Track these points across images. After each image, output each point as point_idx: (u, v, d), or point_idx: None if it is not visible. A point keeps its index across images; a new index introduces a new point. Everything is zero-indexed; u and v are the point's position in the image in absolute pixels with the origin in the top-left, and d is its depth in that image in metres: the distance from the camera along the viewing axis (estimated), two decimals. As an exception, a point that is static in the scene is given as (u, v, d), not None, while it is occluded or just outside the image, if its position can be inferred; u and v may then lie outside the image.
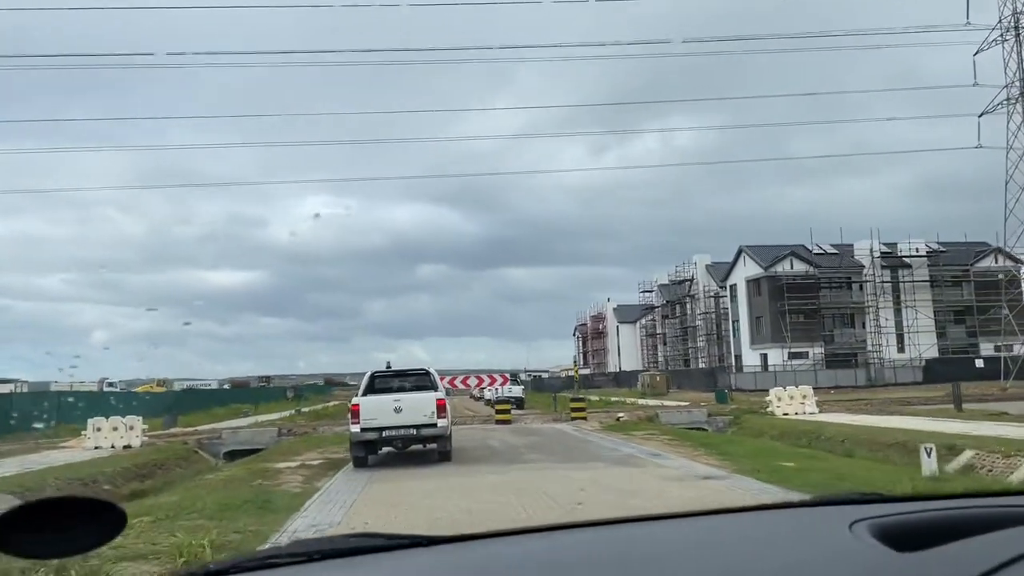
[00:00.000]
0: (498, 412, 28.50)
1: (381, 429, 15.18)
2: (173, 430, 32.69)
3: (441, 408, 15.48)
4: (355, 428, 15.29)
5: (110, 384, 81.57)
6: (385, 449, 16.38)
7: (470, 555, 1.56)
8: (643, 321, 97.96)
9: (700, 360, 77.00)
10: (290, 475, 14.81)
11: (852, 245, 64.26)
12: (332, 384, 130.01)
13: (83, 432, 25.95)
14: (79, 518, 1.33)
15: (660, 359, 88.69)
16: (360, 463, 15.53)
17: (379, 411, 15.31)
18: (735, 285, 68.64)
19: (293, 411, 50.42)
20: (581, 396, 31.07)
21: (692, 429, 26.56)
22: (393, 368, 17.66)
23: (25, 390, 58.11)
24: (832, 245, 65.35)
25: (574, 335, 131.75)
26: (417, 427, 15.24)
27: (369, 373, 17.17)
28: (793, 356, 61.17)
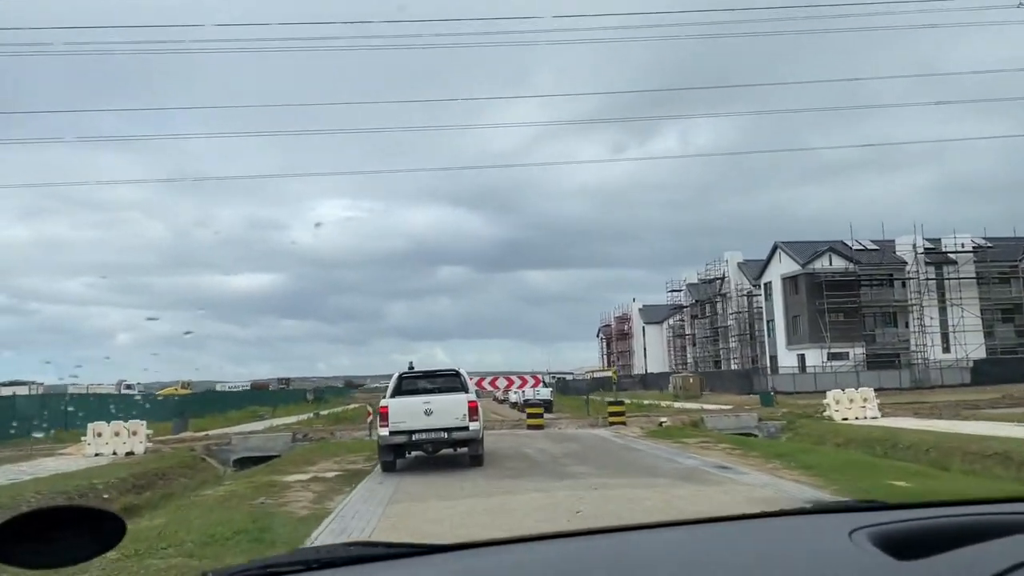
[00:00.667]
0: (529, 416, 26.30)
1: (411, 432, 14.54)
2: (183, 435, 30.79)
3: (473, 410, 14.76)
4: (383, 431, 14.63)
5: (128, 386, 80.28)
6: (413, 453, 15.60)
7: (471, 564, 1.57)
8: (670, 322, 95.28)
9: (732, 361, 74.28)
10: (299, 491, 12.70)
11: (894, 241, 61.39)
12: (352, 386, 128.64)
13: (83, 438, 24.05)
14: (77, 527, 1.30)
15: (689, 360, 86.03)
16: (388, 467, 14.93)
17: (409, 413, 14.59)
18: (770, 283, 65.90)
19: (312, 414, 48.54)
20: (620, 399, 28.78)
21: (742, 435, 24.26)
22: (420, 369, 16.79)
23: (40, 392, 56.72)
24: (872, 241, 62.53)
25: (597, 336, 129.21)
26: (448, 430, 14.56)
27: (397, 374, 16.18)
28: (833, 357, 58.37)
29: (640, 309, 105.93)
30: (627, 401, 45.23)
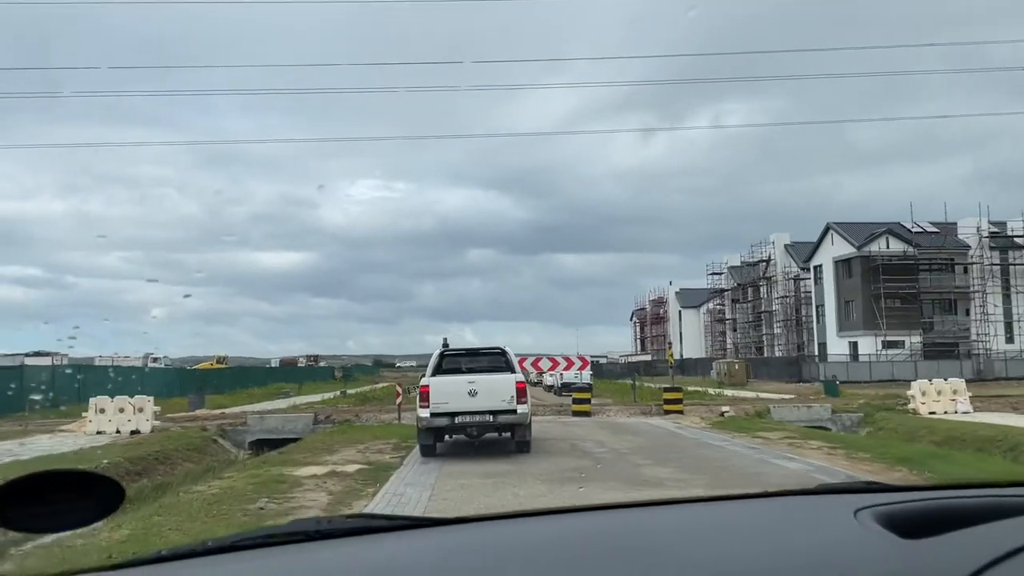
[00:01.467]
0: (575, 402, 23.65)
1: (454, 414, 13.53)
2: (198, 412, 28.65)
3: (521, 392, 13.69)
4: (424, 413, 13.56)
5: (155, 360, 78.91)
6: (454, 437, 14.64)
7: (471, 537, 1.56)
8: (709, 306, 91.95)
9: (777, 348, 70.96)
10: (311, 491, 10.23)
11: (956, 223, 57.61)
12: (382, 365, 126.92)
13: (84, 414, 21.91)
14: (76, 492, 1.29)
15: (729, 346, 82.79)
16: (428, 452, 13.98)
17: (452, 394, 13.59)
18: (820, 266, 62.39)
19: (338, 392, 46.37)
20: (678, 386, 26.04)
21: (815, 428, 21.52)
22: (460, 346, 15.55)
23: (65, 363, 55.24)
24: (932, 223, 58.75)
25: (631, 320, 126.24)
26: (494, 413, 13.57)
27: (438, 351, 14.94)
28: (888, 345, 55.00)
29: (677, 293, 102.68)
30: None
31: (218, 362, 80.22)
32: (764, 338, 74.46)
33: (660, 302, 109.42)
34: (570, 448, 14.85)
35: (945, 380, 24.14)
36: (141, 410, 21.50)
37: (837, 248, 59.29)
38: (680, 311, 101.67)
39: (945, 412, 22.64)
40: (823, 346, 61.64)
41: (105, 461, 15.15)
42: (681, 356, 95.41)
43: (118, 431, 21.12)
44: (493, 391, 13.59)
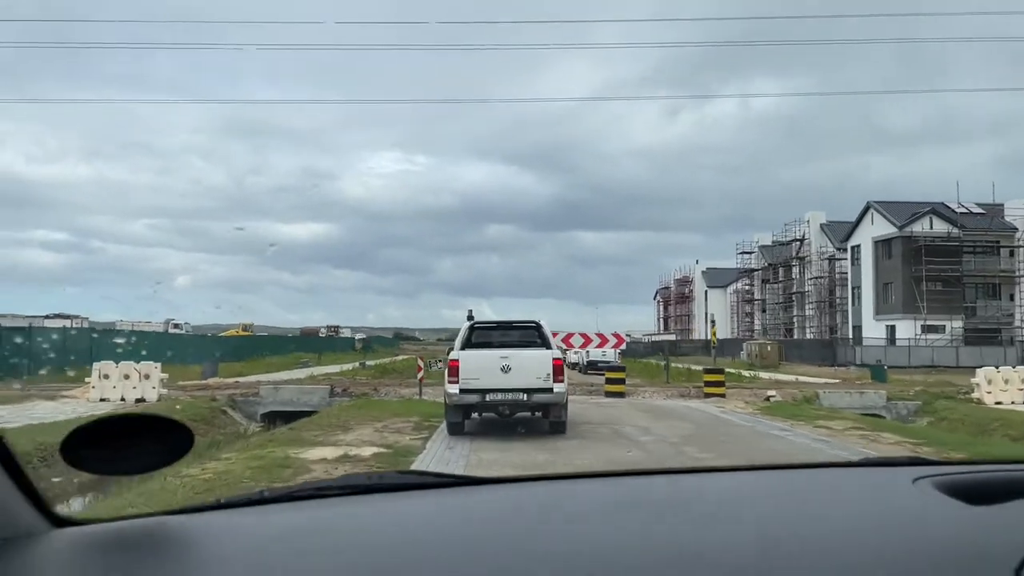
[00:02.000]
0: (609, 382, 22.06)
1: (484, 391, 12.59)
2: (211, 380, 27.38)
3: (558, 370, 12.72)
4: (452, 389, 12.66)
5: (176, 325, 78.23)
6: (484, 415, 13.59)
7: (520, 496, 1.58)
8: (737, 286, 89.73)
9: (808, 330, 68.86)
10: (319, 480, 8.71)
11: (1003, 205, 55.11)
12: (402, 338, 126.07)
13: (87, 380, 20.65)
14: (147, 436, 1.32)
15: (757, 327, 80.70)
16: (455, 430, 13.06)
17: (483, 369, 12.63)
18: (858, 246, 60.09)
19: (358, 364, 45.12)
20: (720, 367, 24.36)
21: (868, 416, 19.83)
22: (490, 319, 14.66)
23: (84, 327, 54.41)
24: (978, 204, 56.27)
25: (654, 299, 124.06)
26: (528, 391, 12.57)
27: (468, 323, 13.97)
28: (928, 329, 52.79)
29: (704, 272, 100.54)
30: (697, 368, 40.74)
31: (244, 330, 79.51)
32: (795, 320, 72.33)
33: (685, 281, 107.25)
34: (612, 434, 13.27)
35: (1013, 368, 22.29)
36: (147, 377, 20.20)
37: (877, 228, 56.97)
38: (706, 290, 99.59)
39: (1012, 402, 20.86)
40: (858, 329, 59.52)
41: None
42: (706, 336, 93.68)
43: (122, 398, 19.85)
44: (528, 368, 12.63)
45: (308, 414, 19.53)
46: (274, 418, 20.65)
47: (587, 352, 43.56)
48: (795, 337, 68.97)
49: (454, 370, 12.66)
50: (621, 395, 21.45)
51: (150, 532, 1.31)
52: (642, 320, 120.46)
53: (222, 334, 73.18)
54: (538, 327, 13.86)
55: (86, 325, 56.03)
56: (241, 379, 27.88)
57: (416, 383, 21.50)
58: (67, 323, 58.04)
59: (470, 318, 14.76)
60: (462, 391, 12.55)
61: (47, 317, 60.93)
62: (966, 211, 55.65)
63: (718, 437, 13.08)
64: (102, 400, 19.75)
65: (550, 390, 12.57)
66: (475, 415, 13.49)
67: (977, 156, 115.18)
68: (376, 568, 1.15)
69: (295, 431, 13.94)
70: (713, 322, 37.56)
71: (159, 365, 20.71)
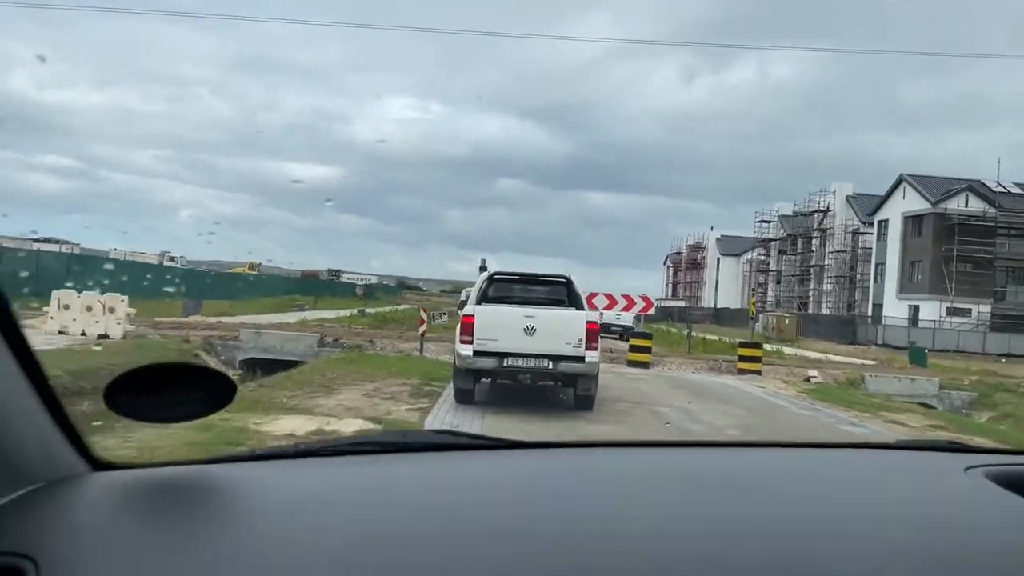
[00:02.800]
0: (633, 350, 19.70)
1: (503, 355, 10.53)
2: (191, 318, 25.10)
3: (592, 335, 10.70)
4: (465, 350, 10.60)
5: (171, 258, 75.84)
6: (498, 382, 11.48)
7: (556, 461, 1.57)
8: (751, 255, 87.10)
9: (825, 305, 66.40)
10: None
11: (1045, 186, 52.25)
12: (405, 287, 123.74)
13: (45, 309, 18.32)
14: (190, 385, 1.33)
15: (771, 299, 78.20)
16: (464, 398, 11.01)
17: (503, 329, 10.61)
18: (885, 221, 57.31)
19: (356, 311, 42.81)
20: (758, 342, 21.99)
21: (920, 404, 17.58)
22: (512, 271, 12.26)
23: (76, 252, 52.02)
24: (1017, 184, 53.36)
25: (664, 264, 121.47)
26: (555, 358, 10.50)
27: (486, 274, 12.13)
28: (953, 312, 50.35)
29: (718, 239, 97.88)
30: (714, 338, 38.42)
31: (250, 268, 77.28)
32: (811, 293, 69.85)
33: (698, 247, 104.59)
34: (650, 418, 10.93)
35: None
36: (112, 310, 17.86)
37: (908, 203, 54.15)
38: (719, 258, 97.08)
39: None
40: (878, 307, 57.06)
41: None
42: (715, 304, 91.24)
43: (83, 333, 17.54)
44: (556, 331, 10.62)
45: (292, 364, 17.31)
46: (254, 366, 18.41)
47: (600, 314, 41.40)
48: (810, 311, 66.52)
49: (468, 327, 10.55)
50: (646, 365, 19.12)
51: (190, 479, 1.32)
52: (648, 285, 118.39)
53: (230, 271, 70.87)
54: (568, 283, 11.68)
55: (78, 251, 53.71)
56: (225, 319, 25.59)
57: (417, 337, 19.15)
58: (57, 247, 55.65)
59: (484, 268, 12.69)
60: (476, 353, 10.48)
61: (36, 240, 58.55)
62: (1004, 191, 52.76)
63: (781, 429, 10.72)
64: (60, 333, 17.46)
65: (581, 359, 10.53)
66: (489, 381, 11.36)
67: (1014, 134, 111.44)
68: (413, 527, 1.14)
69: (266, 389, 11.63)
70: (753, 291, 35.16)
71: (125, 298, 18.35)
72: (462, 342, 10.55)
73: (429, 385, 12.51)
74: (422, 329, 18.77)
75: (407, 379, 13.08)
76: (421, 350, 18.28)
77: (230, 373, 18.24)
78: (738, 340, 38.18)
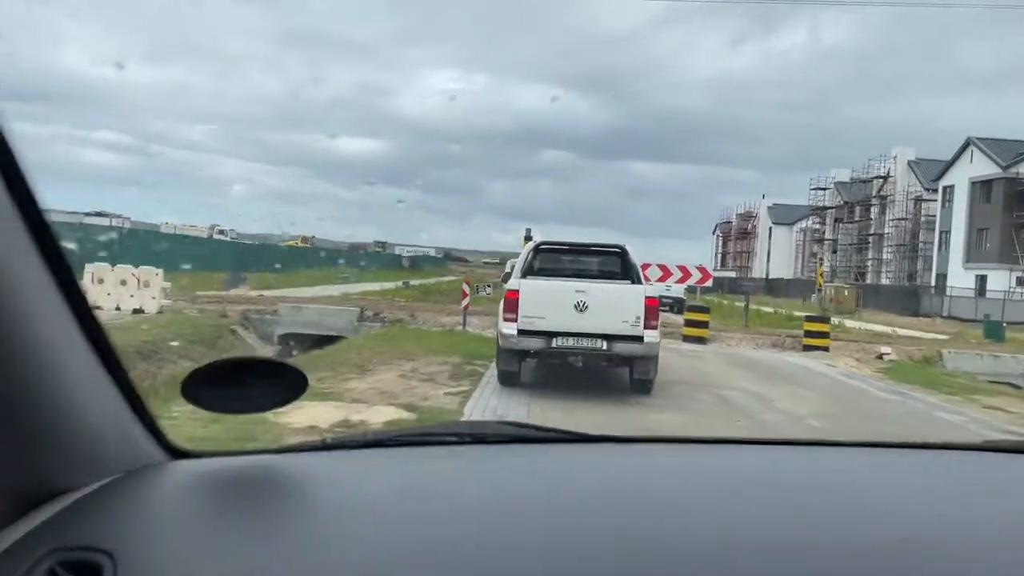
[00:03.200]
0: (689, 324, 18.53)
1: (551, 335, 9.52)
2: (233, 292, 24.60)
3: (651, 312, 9.63)
4: (509, 328, 9.54)
5: (220, 231, 76.35)
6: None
7: (626, 456, 1.55)
8: (805, 224, 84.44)
9: (884, 275, 63.92)
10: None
11: None
12: (451, 259, 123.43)
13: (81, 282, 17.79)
14: (264, 378, 1.34)
15: (826, 269, 75.67)
16: (508, 380, 10.01)
17: (551, 305, 9.58)
18: (951, 187, 54.58)
19: (401, 283, 42.17)
20: (826, 316, 20.62)
21: (1008, 384, 16.16)
22: (559, 241, 11.43)
23: (127, 227, 52.40)
24: (1096, 146, 50.21)
25: (713, 234, 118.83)
26: (610, 338, 9.48)
27: (532, 244, 11.17)
28: (1022, 282, 47.81)
29: (770, 208, 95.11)
30: (769, 310, 36.85)
31: (303, 242, 77.58)
32: (869, 263, 67.27)
33: (748, 216, 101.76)
34: (716, 405, 9.83)
35: None
36: (147, 285, 17.29)
37: (976, 167, 51.40)
38: (771, 227, 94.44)
39: None
40: (942, 277, 54.53)
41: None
42: (767, 275, 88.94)
43: (118, 308, 17.01)
44: (611, 307, 9.62)
45: (332, 340, 16.61)
46: (293, 340, 17.76)
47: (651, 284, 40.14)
48: (868, 282, 64.10)
49: (512, 304, 9.52)
50: (703, 341, 17.94)
51: (266, 469, 1.33)
52: (693, 255, 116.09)
53: (283, 243, 71.08)
54: (624, 253, 10.66)
55: (127, 225, 54.09)
56: (268, 292, 25.04)
57: (460, 310, 18.24)
58: (107, 222, 56.13)
59: (529, 238, 11.69)
60: (521, 332, 9.45)
61: (86, 215, 59.12)
62: (1082, 153, 49.71)
63: (869, 418, 9.54)
64: (94, 308, 16.95)
65: (639, 339, 9.50)
66: (533, 359, 10.37)
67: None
68: (486, 521, 1.13)
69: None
70: (820, 260, 33.44)
71: (160, 272, 17.75)
72: (505, 320, 9.54)
73: (471, 364, 11.60)
74: (465, 302, 17.85)
75: (448, 357, 12.18)
76: (464, 325, 17.37)
77: (268, 349, 17.67)
78: (795, 313, 36.67)
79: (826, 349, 17.59)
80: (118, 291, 17.21)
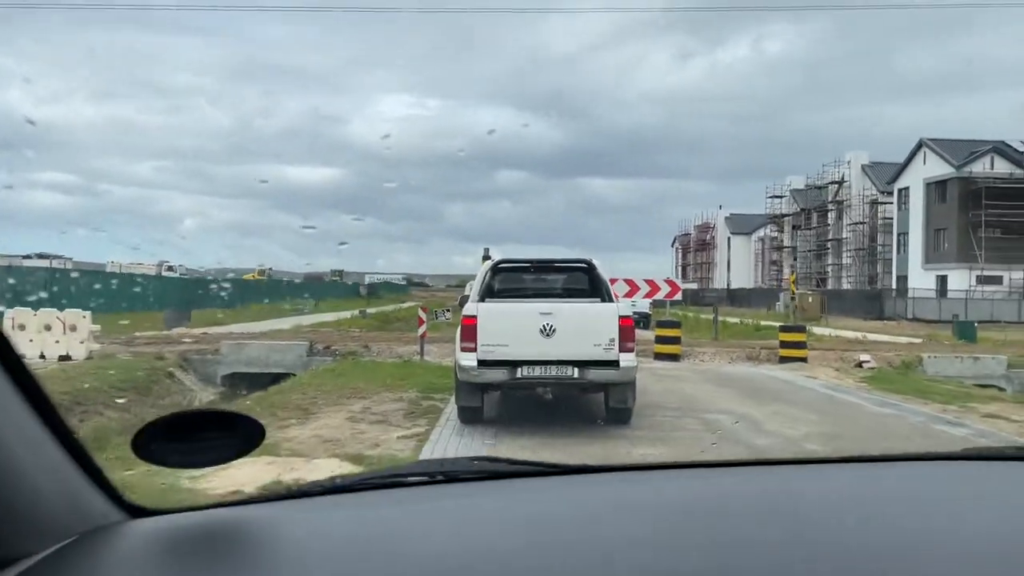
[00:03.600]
0: (660, 341, 17.59)
1: (515, 364, 8.37)
2: (175, 331, 23.12)
3: (627, 333, 8.54)
4: (467, 360, 8.41)
5: (169, 268, 74.02)
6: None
7: (598, 487, 1.49)
8: (762, 232, 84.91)
9: (845, 280, 64.13)
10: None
11: (1074, 144, 49.79)
12: (412, 284, 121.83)
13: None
14: (218, 430, 1.31)
15: (786, 276, 75.92)
16: (469, 417, 8.92)
17: (514, 330, 8.49)
18: (906, 189, 54.93)
19: (358, 312, 40.80)
20: (802, 325, 19.88)
21: (990, 387, 15.57)
22: (520, 258, 10.22)
23: (69, 267, 50.23)
24: (1044, 143, 50.91)
25: (672, 246, 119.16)
26: (582, 364, 8.37)
27: (489, 263, 9.98)
28: (984, 281, 48.05)
29: (727, 218, 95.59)
30: (735, 320, 36.25)
31: (259, 274, 75.67)
32: (829, 269, 67.56)
33: (706, 227, 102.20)
34: (701, 431, 8.83)
35: None
36: (73, 329, 15.86)
37: (930, 168, 51.78)
38: (729, 237, 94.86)
39: None
40: (903, 279, 54.73)
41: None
42: (727, 285, 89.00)
43: (42, 355, 15.53)
44: (581, 329, 8.54)
45: (279, 377, 15.34)
46: (238, 380, 16.45)
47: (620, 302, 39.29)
48: (828, 287, 64.24)
49: (469, 331, 8.43)
50: (676, 358, 17.03)
51: (228, 523, 1.29)
52: (652, 268, 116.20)
53: (240, 277, 69.09)
54: (591, 268, 9.66)
55: (69, 266, 51.89)
56: (214, 329, 23.59)
57: (417, 339, 17.10)
58: (47, 263, 53.82)
59: (487, 258, 10.80)
60: (481, 363, 8.36)
61: (24, 257, 56.73)
62: (1031, 151, 50.37)
63: (870, 437, 8.61)
64: (17, 357, 15.48)
65: (615, 364, 8.42)
66: (495, 392, 9.34)
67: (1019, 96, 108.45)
68: (462, 567, 1.08)
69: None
70: (793, 268, 32.86)
71: (88, 315, 16.35)
72: (463, 349, 8.46)
73: (429, 399, 10.49)
74: (421, 330, 16.72)
75: (404, 392, 11.05)
76: (422, 354, 16.23)
77: (210, 391, 16.34)
78: (761, 322, 36.05)
79: (804, 360, 16.78)
80: (42, 337, 15.76)
